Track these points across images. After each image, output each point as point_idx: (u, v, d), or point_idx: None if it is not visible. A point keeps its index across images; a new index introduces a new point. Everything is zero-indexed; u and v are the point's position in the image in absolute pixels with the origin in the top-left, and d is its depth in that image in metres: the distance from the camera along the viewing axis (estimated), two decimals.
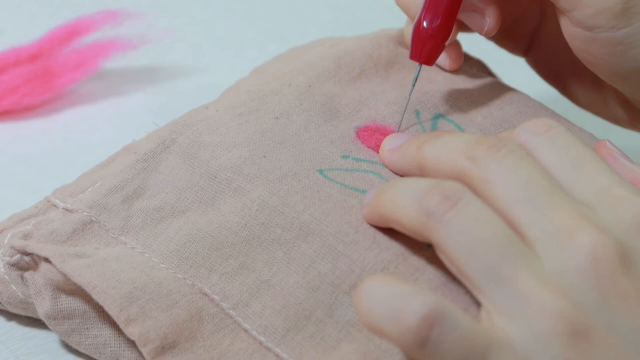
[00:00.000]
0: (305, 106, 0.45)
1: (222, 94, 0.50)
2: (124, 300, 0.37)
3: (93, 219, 0.40)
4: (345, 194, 0.41)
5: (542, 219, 0.34)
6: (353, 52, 0.50)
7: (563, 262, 0.33)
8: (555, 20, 0.44)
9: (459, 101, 0.47)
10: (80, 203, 0.41)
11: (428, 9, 0.44)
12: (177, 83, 0.61)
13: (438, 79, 0.49)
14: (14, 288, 0.39)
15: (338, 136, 0.44)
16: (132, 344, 0.38)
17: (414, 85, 0.45)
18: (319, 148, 0.43)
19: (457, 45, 0.48)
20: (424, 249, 0.38)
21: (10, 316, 0.41)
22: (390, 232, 0.38)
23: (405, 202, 0.36)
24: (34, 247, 0.39)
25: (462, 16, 0.45)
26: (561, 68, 0.49)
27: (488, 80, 0.50)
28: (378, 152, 0.44)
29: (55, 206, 0.41)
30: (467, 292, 0.36)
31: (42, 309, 0.39)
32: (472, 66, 0.52)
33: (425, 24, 0.44)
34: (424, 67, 0.45)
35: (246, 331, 0.37)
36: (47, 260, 0.38)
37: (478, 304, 0.35)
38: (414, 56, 0.44)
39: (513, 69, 0.55)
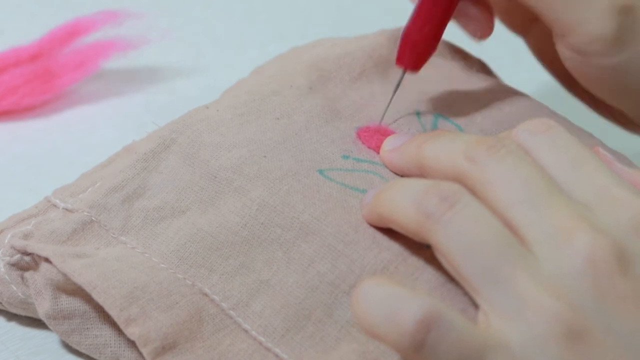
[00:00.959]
0: (305, 107, 0.45)
1: (222, 94, 0.50)
2: (124, 300, 0.37)
3: (93, 218, 0.40)
4: (345, 193, 0.41)
5: (540, 220, 0.34)
6: (353, 53, 0.50)
7: (561, 264, 0.33)
8: None
9: (459, 101, 0.47)
10: (80, 203, 0.41)
11: (418, 15, 0.44)
12: (177, 83, 0.61)
13: (437, 79, 0.49)
14: (14, 288, 0.39)
15: (339, 136, 0.44)
16: (132, 343, 0.38)
17: (394, 92, 0.45)
18: (319, 148, 0.43)
19: (488, 10, 0.47)
20: (424, 249, 0.38)
21: (10, 316, 0.41)
22: (390, 231, 0.38)
23: (403, 203, 0.36)
24: (34, 246, 0.39)
25: (455, 19, 0.45)
26: (556, 52, 0.49)
27: (488, 80, 0.50)
28: (378, 153, 0.44)
29: (55, 206, 0.41)
30: (466, 292, 0.36)
31: (42, 308, 0.39)
32: (472, 66, 0.52)
33: (413, 31, 0.44)
34: (424, 66, 0.45)
35: (246, 331, 0.37)
36: (47, 260, 0.38)
37: (476, 305, 0.35)
38: (400, 61, 0.44)
39: (513, 69, 0.55)
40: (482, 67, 0.52)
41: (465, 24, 0.46)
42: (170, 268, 0.38)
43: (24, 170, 0.52)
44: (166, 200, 0.41)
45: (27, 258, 0.39)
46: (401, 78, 0.45)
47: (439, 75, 0.49)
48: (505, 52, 0.52)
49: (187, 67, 0.63)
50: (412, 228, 0.36)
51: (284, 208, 0.40)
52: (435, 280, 0.37)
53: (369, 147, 0.44)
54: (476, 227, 0.34)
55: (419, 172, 0.39)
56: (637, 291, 0.32)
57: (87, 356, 0.39)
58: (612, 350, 0.32)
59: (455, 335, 0.32)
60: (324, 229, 0.39)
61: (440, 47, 0.47)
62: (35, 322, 0.41)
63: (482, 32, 0.45)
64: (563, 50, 0.43)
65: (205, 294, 0.38)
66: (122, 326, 0.36)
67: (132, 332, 0.36)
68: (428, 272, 0.37)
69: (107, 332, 0.38)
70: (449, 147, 0.37)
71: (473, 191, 0.35)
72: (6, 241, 0.40)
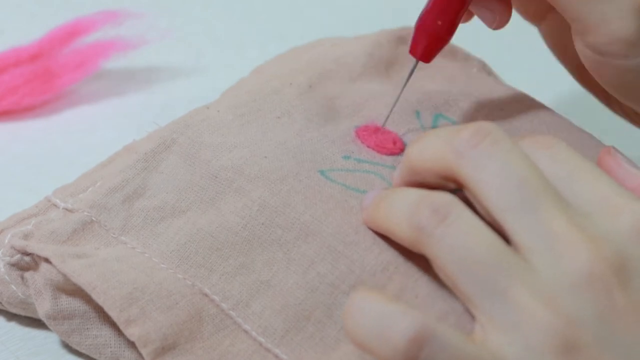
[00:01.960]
0: (306, 105, 0.45)
1: (222, 93, 0.50)
2: (124, 300, 0.36)
3: (93, 218, 0.40)
4: (346, 194, 0.41)
5: (536, 227, 0.33)
6: (353, 52, 0.50)
7: (559, 276, 0.32)
8: None
9: (459, 101, 0.47)
10: (81, 203, 0.41)
11: (434, 5, 0.43)
12: (177, 83, 0.61)
13: (438, 79, 0.49)
14: (14, 288, 0.39)
15: (338, 136, 0.44)
16: (132, 344, 0.38)
17: (407, 80, 0.45)
18: (320, 148, 0.43)
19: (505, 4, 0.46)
20: None
21: (10, 316, 0.41)
22: None
23: (397, 215, 0.36)
24: (34, 247, 0.39)
25: (472, 7, 0.44)
26: (571, 43, 0.47)
27: (488, 80, 0.50)
28: (378, 152, 0.44)
29: (55, 206, 0.41)
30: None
31: (42, 309, 0.39)
32: (472, 66, 0.52)
33: (428, 20, 0.43)
34: (424, 65, 0.44)
35: (246, 332, 0.37)
36: (47, 260, 0.38)
37: None
38: (413, 51, 0.44)
39: (513, 69, 0.55)
40: (482, 67, 0.52)
41: (481, 13, 0.44)
42: (170, 268, 0.38)
43: (24, 170, 0.52)
44: (166, 200, 0.41)
45: (27, 258, 0.39)
46: (414, 68, 0.44)
47: (439, 75, 0.49)
48: (506, 52, 0.52)
49: (187, 67, 0.63)
50: (408, 241, 0.35)
51: (284, 209, 0.40)
52: (436, 282, 0.37)
53: (368, 147, 0.44)
54: (469, 239, 0.33)
55: (412, 176, 0.38)
56: (636, 305, 0.32)
57: (87, 356, 0.39)
58: None
59: (449, 351, 0.31)
60: (325, 230, 0.39)
61: None
62: (35, 322, 0.41)
63: (499, 21, 0.44)
64: (581, 48, 0.42)
65: (205, 294, 0.38)
66: (121, 327, 0.36)
67: (131, 332, 0.36)
68: (429, 274, 0.37)
69: (107, 332, 0.38)
70: (432, 143, 0.36)
71: (467, 189, 0.35)
72: (6, 241, 0.40)
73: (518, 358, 0.32)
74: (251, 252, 0.39)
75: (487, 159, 0.34)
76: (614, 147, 0.38)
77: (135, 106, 0.58)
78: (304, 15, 0.71)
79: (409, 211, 0.35)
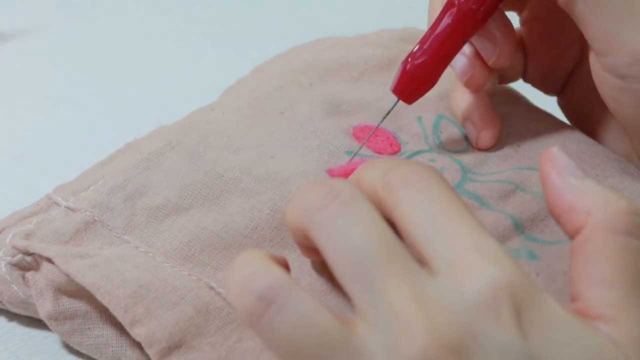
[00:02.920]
0: (307, 99, 0.45)
1: (222, 93, 0.51)
2: (128, 300, 0.36)
3: (96, 218, 0.40)
4: None
5: (375, 303, 0.30)
6: (354, 52, 0.50)
7: None
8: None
9: None
10: (83, 202, 0.40)
11: (421, 43, 0.41)
12: (177, 83, 0.61)
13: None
14: (15, 288, 0.39)
15: (340, 131, 0.44)
16: (134, 343, 0.37)
17: (387, 114, 0.43)
18: (324, 143, 0.43)
19: (494, 122, 0.44)
20: None
21: (10, 316, 0.41)
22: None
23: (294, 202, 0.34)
24: (36, 247, 0.39)
25: (475, 39, 0.43)
26: (592, 111, 0.46)
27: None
28: (375, 152, 0.44)
29: (56, 204, 0.41)
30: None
31: (43, 309, 0.39)
32: None
33: (415, 61, 0.41)
34: None
35: None
36: (48, 260, 0.38)
37: None
38: (396, 91, 0.42)
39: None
40: None
41: (483, 45, 0.43)
42: (175, 266, 0.38)
43: (24, 170, 0.52)
44: (169, 197, 0.40)
45: (28, 258, 0.39)
46: (392, 106, 0.43)
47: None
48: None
49: (187, 67, 0.63)
50: (299, 227, 0.33)
51: None
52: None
53: (366, 146, 0.44)
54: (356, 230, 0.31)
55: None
56: None
57: (88, 356, 0.39)
58: None
59: (299, 319, 0.30)
60: None
61: None
62: (36, 322, 0.41)
63: (497, 60, 0.42)
64: (600, 74, 0.40)
65: (212, 287, 0.37)
66: (127, 328, 0.36)
67: (137, 333, 0.35)
68: None
69: (108, 332, 0.38)
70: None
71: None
72: (7, 240, 0.39)
73: None
74: None
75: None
76: (557, 149, 0.34)
77: (136, 106, 0.58)
78: (304, 15, 0.71)
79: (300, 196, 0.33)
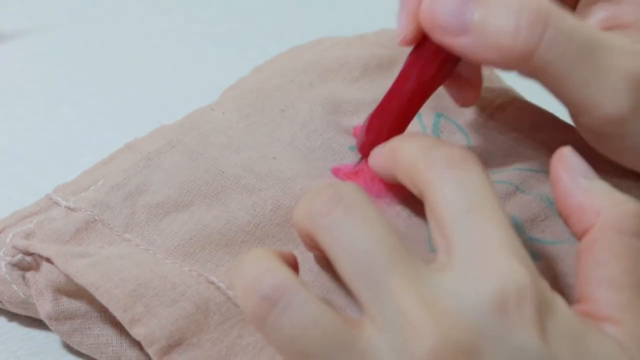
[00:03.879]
0: (307, 99, 0.45)
1: (222, 93, 0.50)
2: (127, 299, 0.36)
3: (96, 217, 0.40)
4: None
5: (383, 304, 0.30)
6: (354, 52, 0.50)
7: None
8: None
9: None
10: (83, 201, 0.40)
11: (371, 118, 0.40)
12: (177, 83, 0.61)
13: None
14: (15, 288, 0.39)
15: (341, 130, 0.44)
16: (133, 342, 0.37)
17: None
18: (327, 142, 0.43)
19: (475, 83, 0.43)
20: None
21: (11, 316, 0.41)
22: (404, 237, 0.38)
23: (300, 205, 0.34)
24: (36, 247, 0.39)
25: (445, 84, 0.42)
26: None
27: (489, 80, 0.50)
28: None
29: (57, 204, 0.41)
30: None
31: (44, 309, 0.39)
32: None
33: (375, 121, 0.40)
34: None
35: None
36: (48, 260, 0.38)
37: None
38: (360, 149, 0.41)
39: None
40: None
41: (451, 88, 0.43)
42: (176, 263, 0.38)
43: (24, 170, 0.52)
44: (169, 194, 0.40)
45: (28, 258, 0.39)
46: (358, 162, 0.42)
47: None
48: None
49: (187, 67, 0.63)
50: (305, 230, 0.33)
51: None
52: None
53: None
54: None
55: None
56: None
57: (88, 356, 0.39)
58: None
59: (303, 320, 0.30)
60: None
61: None
62: (36, 322, 0.41)
63: (465, 102, 0.43)
64: (580, 128, 0.39)
65: (212, 282, 0.37)
66: (127, 327, 0.36)
67: (137, 332, 0.35)
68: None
69: (108, 332, 0.38)
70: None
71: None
72: (7, 240, 0.39)
73: None
74: None
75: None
76: (568, 150, 0.34)
77: (136, 106, 0.58)
78: (304, 15, 0.71)
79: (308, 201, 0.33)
